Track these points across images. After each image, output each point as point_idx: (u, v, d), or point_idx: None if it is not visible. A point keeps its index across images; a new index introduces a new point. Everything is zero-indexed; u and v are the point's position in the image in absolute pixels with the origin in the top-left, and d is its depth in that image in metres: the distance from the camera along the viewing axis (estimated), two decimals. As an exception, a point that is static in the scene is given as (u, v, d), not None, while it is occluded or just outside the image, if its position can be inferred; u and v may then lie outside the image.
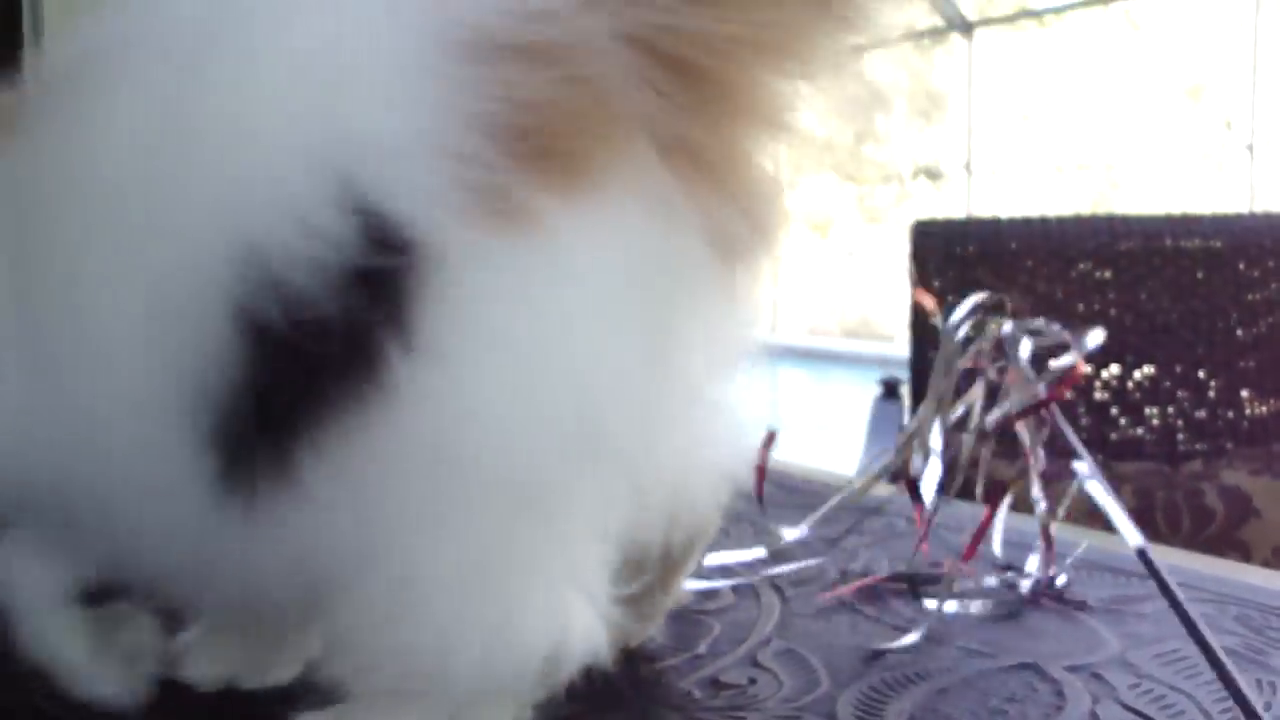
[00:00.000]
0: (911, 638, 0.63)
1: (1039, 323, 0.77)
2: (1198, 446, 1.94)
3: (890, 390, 2.08)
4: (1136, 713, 0.53)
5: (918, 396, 1.99)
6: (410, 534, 0.42)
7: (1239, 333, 1.95)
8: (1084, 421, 1.96)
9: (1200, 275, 1.97)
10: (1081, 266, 2.00)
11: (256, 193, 0.40)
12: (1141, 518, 1.68)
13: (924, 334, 2.03)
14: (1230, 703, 0.52)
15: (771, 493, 1.00)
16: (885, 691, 0.56)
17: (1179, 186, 11.66)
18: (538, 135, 0.41)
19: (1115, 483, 1.73)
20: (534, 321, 0.41)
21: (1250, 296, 1.95)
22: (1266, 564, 1.70)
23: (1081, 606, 0.69)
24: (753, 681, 0.57)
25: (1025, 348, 0.76)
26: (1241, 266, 1.96)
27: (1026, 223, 2.07)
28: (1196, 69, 11.95)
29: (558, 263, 0.42)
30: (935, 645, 0.63)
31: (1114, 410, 1.97)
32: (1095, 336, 0.78)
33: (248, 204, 0.40)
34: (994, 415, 0.74)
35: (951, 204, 12.20)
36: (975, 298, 0.84)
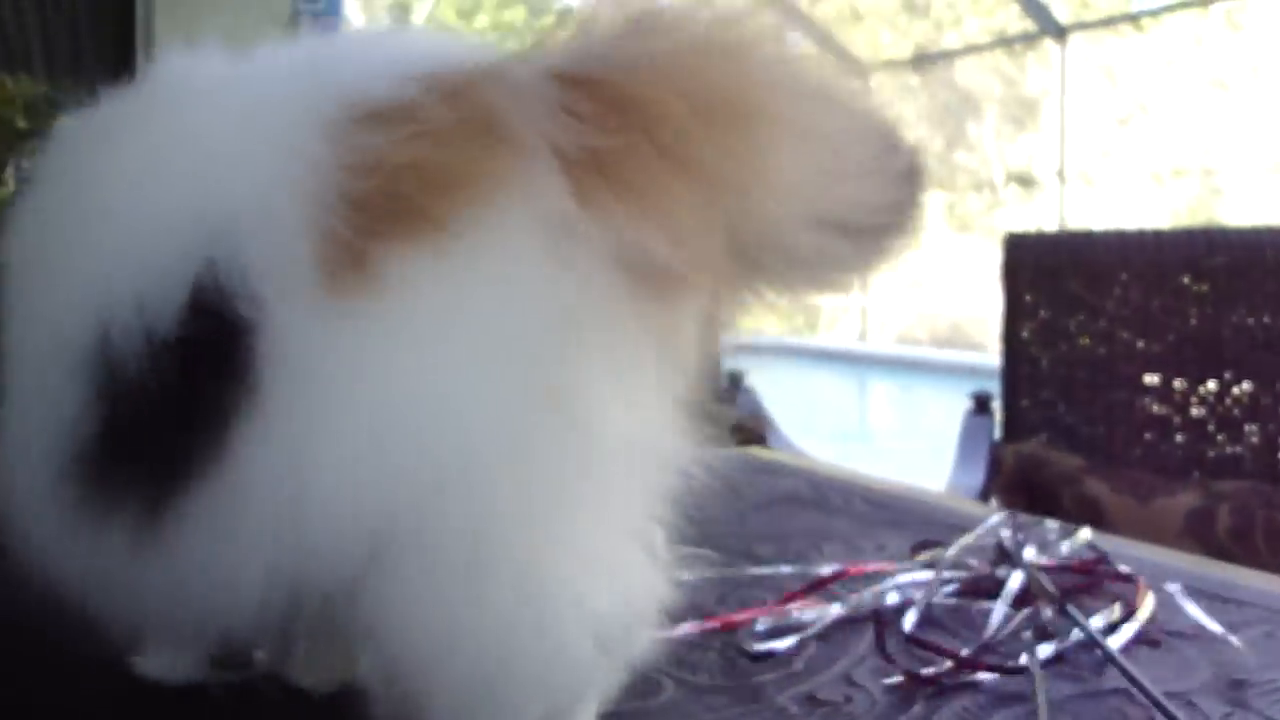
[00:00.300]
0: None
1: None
2: (1298, 465, 1.89)
3: (981, 405, 2.06)
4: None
5: (1009, 410, 1.98)
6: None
7: (1345, 348, 1.90)
8: (1179, 439, 1.93)
9: (1303, 288, 1.93)
10: (1178, 280, 1.96)
11: (113, 269, 0.45)
12: (1240, 538, 1.67)
13: (1016, 348, 2.01)
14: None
15: (865, 510, 1.01)
16: (976, 712, 0.56)
17: (1281, 193, 11.34)
18: (389, 197, 0.43)
19: (1213, 501, 1.71)
20: (379, 380, 0.43)
21: (1356, 311, 1.89)
22: (1371, 587, 1.66)
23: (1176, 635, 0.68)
24: (848, 699, 0.58)
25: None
26: (1348, 279, 1.91)
27: (1120, 235, 2.04)
28: (1301, 72, 11.63)
29: (406, 320, 0.43)
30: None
31: (1211, 427, 1.93)
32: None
33: (105, 279, 0.45)
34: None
35: (1044, 212, 12.00)
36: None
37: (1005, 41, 12.42)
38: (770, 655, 0.64)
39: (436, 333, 0.44)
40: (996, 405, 2.02)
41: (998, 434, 2.01)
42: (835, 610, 0.69)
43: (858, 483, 1.10)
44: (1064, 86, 10.78)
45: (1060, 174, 10.78)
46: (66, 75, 5.72)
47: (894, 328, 14.17)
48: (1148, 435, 1.94)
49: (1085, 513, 1.78)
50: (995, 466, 1.91)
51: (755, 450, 1.38)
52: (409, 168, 0.43)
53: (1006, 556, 0.76)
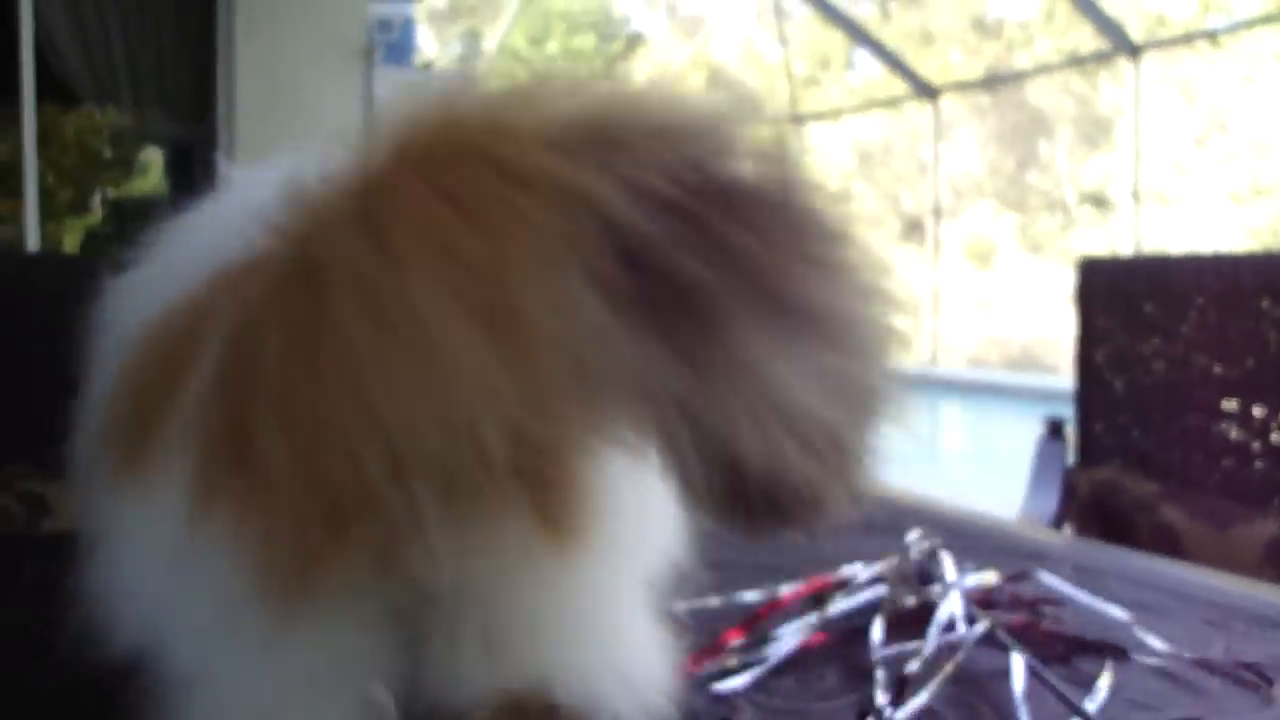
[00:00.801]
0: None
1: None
2: (1384, 492, 1.85)
3: (1055, 430, 2.04)
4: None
5: (1084, 436, 1.96)
6: None
7: None
8: (1258, 465, 1.90)
9: (1387, 313, 1.89)
10: (1256, 304, 1.93)
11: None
12: (1325, 566, 1.63)
13: (1090, 373, 1.99)
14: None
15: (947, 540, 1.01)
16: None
17: (1367, 213, 11.07)
18: None
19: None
20: None
21: None
22: None
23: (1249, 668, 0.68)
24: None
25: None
26: None
27: (1196, 259, 2.02)
28: (1385, 89, 11.36)
29: None
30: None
31: (1291, 453, 1.89)
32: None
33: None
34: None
35: (1119, 233, 11.82)
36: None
37: (1078, 61, 12.27)
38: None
39: None
40: (1070, 430, 2.00)
41: (1071, 460, 1.99)
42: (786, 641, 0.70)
43: (925, 509, 1.10)
44: (1138, 105, 10.62)
45: (1135, 194, 10.60)
46: (151, 106, 5.89)
47: (965, 350, 14.02)
48: (1225, 462, 1.92)
49: (1161, 541, 1.76)
50: (1069, 493, 1.89)
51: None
52: None
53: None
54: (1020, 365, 12.61)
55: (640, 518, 0.50)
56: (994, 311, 13.96)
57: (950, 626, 0.71)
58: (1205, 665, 0.68)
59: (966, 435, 9.55)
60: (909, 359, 0.48)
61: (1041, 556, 0.86)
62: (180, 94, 5.56)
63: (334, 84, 5.59)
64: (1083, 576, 0.86)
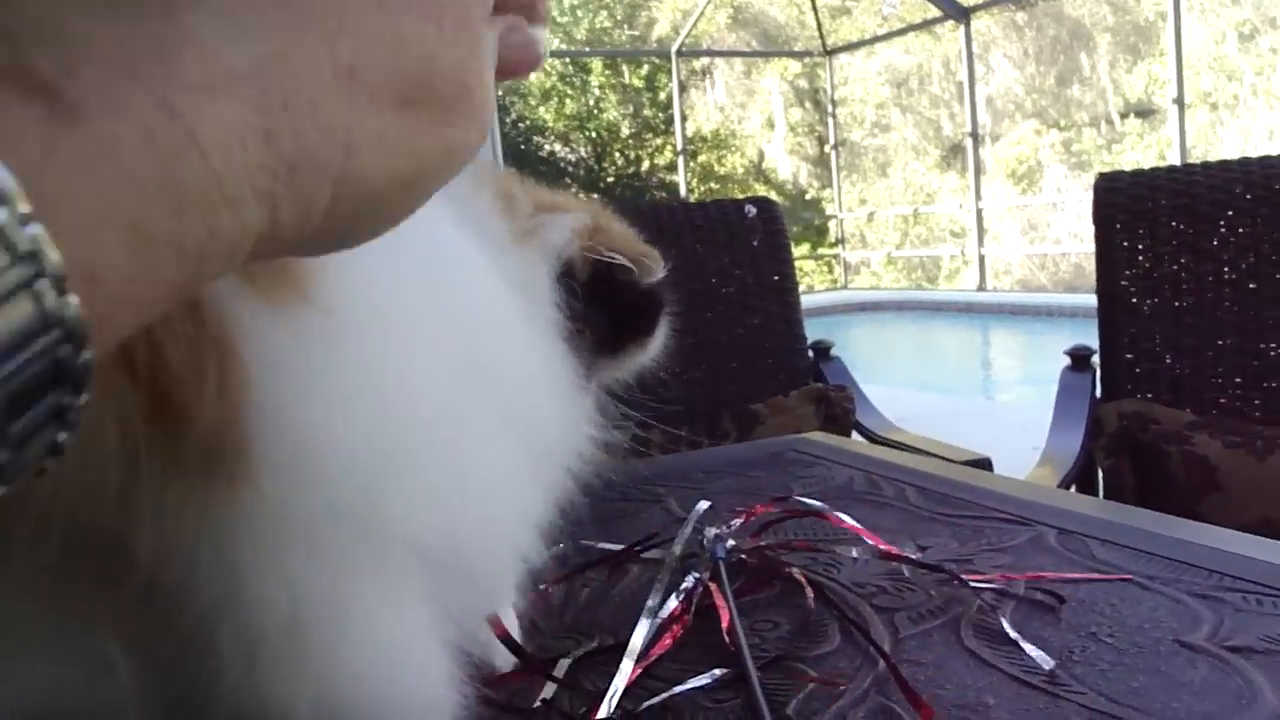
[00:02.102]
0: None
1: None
2: None
3: (1079, 360, 1.93)
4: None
5: (1108, 366, 1.84)
6: None
7: None
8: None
9: None
10: (1290, 211, 1.80)
11: None
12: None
13: (1114, 298, 1.87)
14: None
15: (916, 502, 0.93)
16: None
17: None
18: None
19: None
20: None
21: None
22: None
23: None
24: None
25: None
26: None
27: (1223, 167, 1.88)
28: None
29: None
30: (1060, 689, 0.54)
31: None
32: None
33: None
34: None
35: (1165, 143, 11.50)
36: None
37: (1114, -33, 11.90)
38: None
39: None
40: (1096, 360, 1.89)
41: (1098, 390, 1.88)
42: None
43: (908, 474, 1.01)
44: (1179, 6, 10.26)
45: (1179, 101, 10.28)
46: None
47: (1014, 274, 13.78)
48: (1265, 384, 1.80)
49: (1195, 474, 1.65)
50: (1096, 426, 1.78)
51: (812, 437, 1.29)
52: None
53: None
54: (1072, 286, 12.37)
55: None
56: (1041, 233, 13.69)
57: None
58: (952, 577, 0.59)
59: (1017, 360, 9.38)
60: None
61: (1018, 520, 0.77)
62: None
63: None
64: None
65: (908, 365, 9.32)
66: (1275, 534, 1.59)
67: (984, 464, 1.61)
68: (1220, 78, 12.19)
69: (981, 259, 13.08)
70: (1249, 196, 1.82)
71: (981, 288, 12.89)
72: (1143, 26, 13.27)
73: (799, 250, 15.78)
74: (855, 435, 1.94)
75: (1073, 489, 1.76)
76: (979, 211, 13.10)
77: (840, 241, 15.69)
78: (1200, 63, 11.94)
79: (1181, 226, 1.85)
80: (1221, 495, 1.65)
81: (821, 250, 15.85)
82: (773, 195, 10.42)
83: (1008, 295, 12.24)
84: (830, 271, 15.64)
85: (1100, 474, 1.79)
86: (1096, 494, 1.79)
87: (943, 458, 1.51)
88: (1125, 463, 1.76)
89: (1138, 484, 1.75)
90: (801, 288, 2.16)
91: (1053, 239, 13.32)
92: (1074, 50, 13.93)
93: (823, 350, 2.14)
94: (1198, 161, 1.99)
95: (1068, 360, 1.94)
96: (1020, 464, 1.76)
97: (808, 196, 16.50)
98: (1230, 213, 1.83)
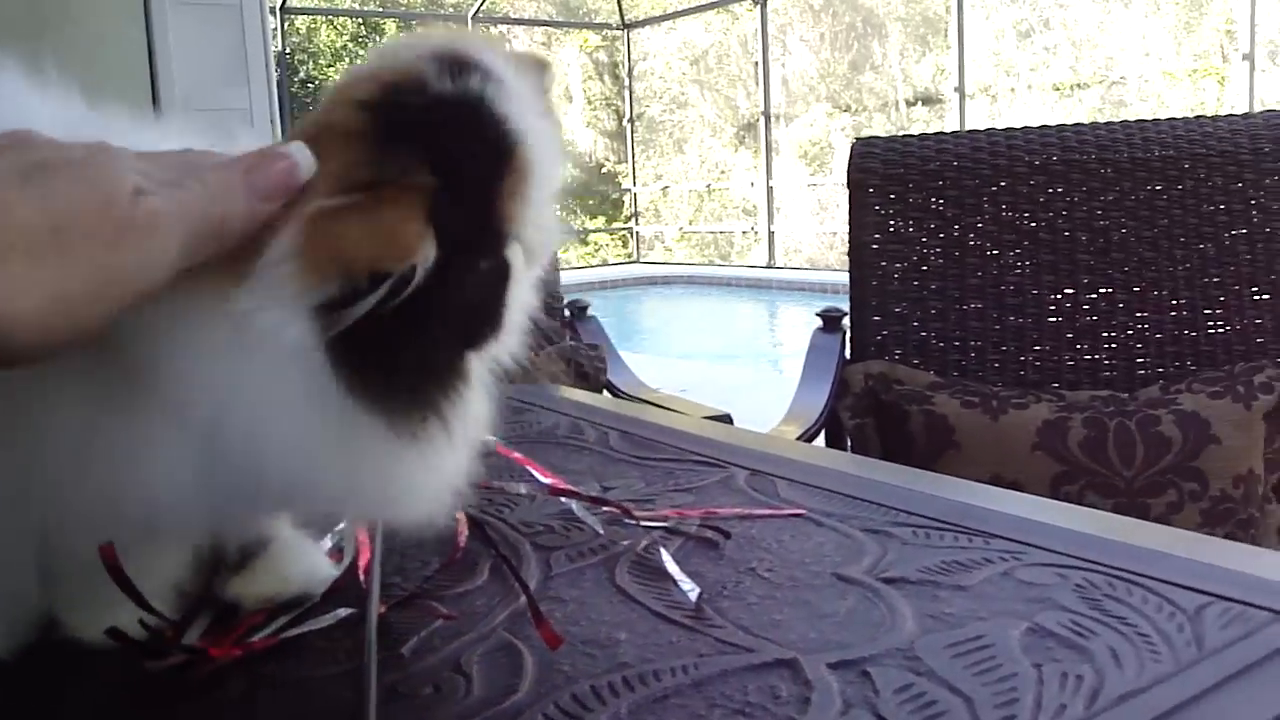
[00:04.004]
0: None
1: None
2: (1157, 370, 1.81)
3: (829, 322, 1.94)
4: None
5: (857, 328, 1.86)
6: None
7: (1200, 247, 1.81)
8: (1038, 348, 1.83)
9: (1158, 187, 1.83)
10: (1032, 182, 1.86)
11: None
12: (1093, 450, 1.57)
13: (864, 261, 1.90)
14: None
15: (617, 447, 0.88)
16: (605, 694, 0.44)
17: (1183, 103, 11.43)
18: None
19: (1066, 412, 1.62)
20: None
21: (1210, 207, 1.80)
22: (1224, 493, 1.59)
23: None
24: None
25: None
26: (1202, 175, 1.82)
27: (972, 137, 1.92)
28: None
29: None
30: (699, 623, 0.51)
31: (1069, 335, 1.84)
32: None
33: None
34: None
35: (948, 130, 11.97)
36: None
37: (903, -42, 12.31)
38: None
39: None
40: (847, 322, 1.91)
41: (848, 352, 1.90)
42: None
43: (616, 419, 0.97)
44: (962, 4, 10.69)
45: (960, 90, 10.71)
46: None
47: (804, 252, 14.13)
48: (1004, 348, 1.85)
49: (934, 432, 1.68)
50: (843, 386, 1.80)
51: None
52: None
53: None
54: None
55: None
56: (831, 212, 14.08)
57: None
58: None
59: (801, 334, 9.63)
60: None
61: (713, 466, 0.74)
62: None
63: (111, 9, 5.18)
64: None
65: (695, 337, 9.44)
66: (1004, 487, 1.63)
67: (723, 419, 1.60)
68: (999, 71, 12.75)
69: (771, 236, 13.36)
70: (994, 165, 1.86)
71: (771, 264, 13.17)
72: (931, 19, 13.76)
73: (594, 223, 15.80)
74: (605, 394, 1.91)
75: (819, 445, 1.77)
76: (770, 189, 13.37)
77: (634, 215, 15.76)
78: (982, 56, 12.46)
79: (931, 193, 1.88)
80: (958, 453, 1.68)
81: (616, 224, 15.90)
82: (569, 167, 10.37)
83: (796, 272, 12.54)
84: (624, 245, 15.70)
85: (847, 434, 1.81)
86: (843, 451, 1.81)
87: (683, 414, 1.49)
88: (869, 423, 1.78)
89: (881, 443, 1.77)
90: (595, 261, 2.12)
91: (842, 219, 13.70)
92: (867, 38, 14.34)
93: (579, 309, 2.10)
94: (931, 133, 2.03)
95: (820, 322, 1.95)
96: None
97: (604, 170, 16.51)
98: (976, 181, 1.87)
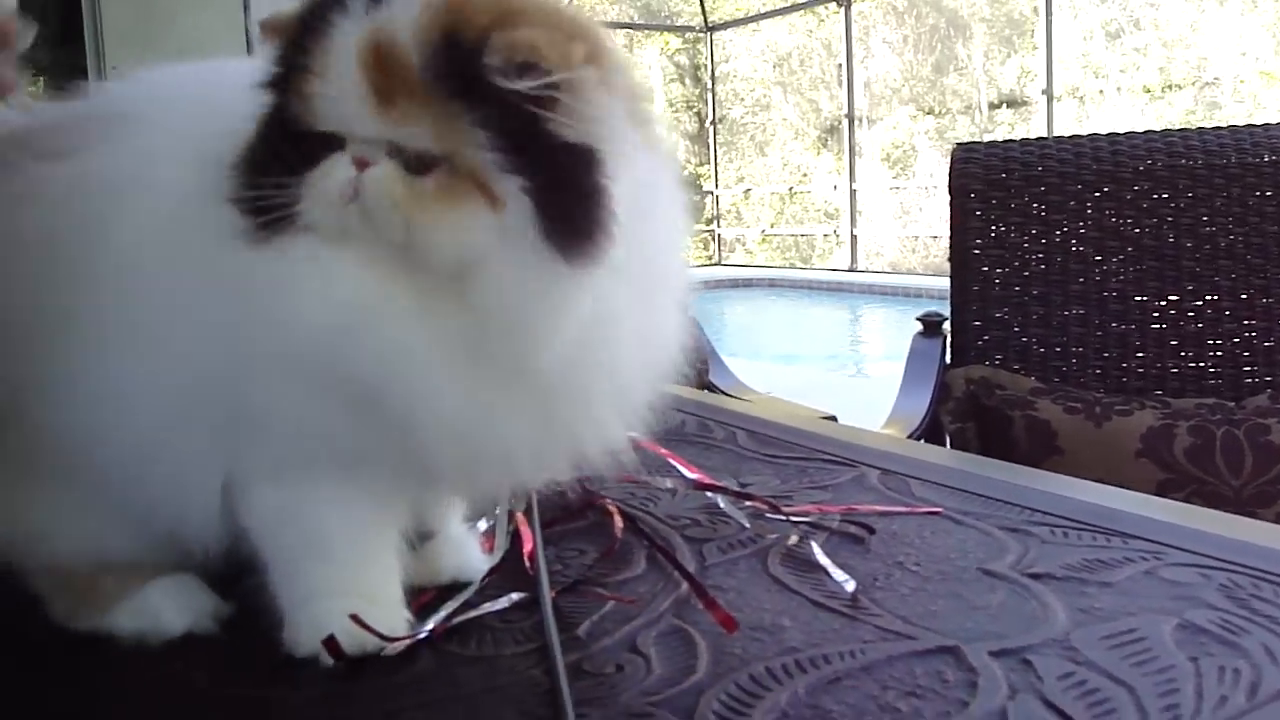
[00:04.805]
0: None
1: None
2: (1265, 379, 1.79)
3: (930, 327, 1.95)
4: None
5: (958, 332, 1.87)
6: None
7: (1310, 253, 1.79)
8: (1140, 356, 1.83)
9: (1267, 192, 1.81)
10: (1136, 188, 1.85)
11: None
12: (1199, 457, 1.57)
13: (966, 266, 1.90)
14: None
15: (746, 444, 0.91)
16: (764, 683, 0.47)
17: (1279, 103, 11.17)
18: None
19: (1172, 419, 1.61)
20: None
21: (1321, 213, 1.78)
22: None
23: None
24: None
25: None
26: (1312, 180, 1.80)
27: (1074, 142, 1.92)
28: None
29: None
30: (858, 612, 0.53)
31: (1174, 342, 1.83)
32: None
33: None
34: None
35: (1034, 134, 11.81)
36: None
37: (990, -41, 12.18)
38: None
39: None
40: (947, 327, 1.91)
41: (948, 357, 1.91)
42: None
43: (743, 418, 1.00)
44: (1050, 4, 10.54)
45: (1048, 93, 10.56)
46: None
47: (885, 256, 14.03)
48: (1106, 354, 1.84)
49: (1036, 438, 1.68)
50: (943, 391, 1.80)
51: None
52: None
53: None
54: (942, 269, 12.64)
55: None
56: (914, 216, 13.96)
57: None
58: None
59: (883, 338, 9.57)
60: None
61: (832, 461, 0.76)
62: (43, 17, 5.25)
63: (210, 4, 5.33)
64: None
65: (778, 340, 9.43)
66: (1107, 496, 1.63)
67: (830, 421, 1.61)
68: (1087, 73, 12.56)
69: (854, 240, 13.29)
70: (1097, 171, 1.85)
71: (853, 268, 13.10)
72: (1016, 20, 13.59)
73: (677, 225, 15.76)
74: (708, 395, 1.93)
75: (919, 451, 1.78)
76: (853, 193, 13.30)
77: (716, 218, 15.77)
78: (1069, 58, 12.28)
79: (1032, 198, 1.88)
80: (1061, 458, 1.68)
81: (698, 226, 15.92)
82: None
83: (878, 276, 12.46)
84: (706, 248, 15.72)
85: (948, 438, 1.81)
86: (942, 457, 1.82)
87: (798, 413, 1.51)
88: (971, 427, 1.79)
89: (982, 448, 1.78)
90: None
91: (924, 223, 13.58)
92: (951, 39, 14.21)
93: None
94: (1033, 138, 2.03)
95: (920, 326, 1.96)
96: (874, 427, 1.78)
97: (686, 172, 16.50)
98: (1079, 186, 1.86)
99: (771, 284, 12.95)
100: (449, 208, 0.47)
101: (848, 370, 7.94)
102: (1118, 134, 1.92)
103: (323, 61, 0.48)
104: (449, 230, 0.47)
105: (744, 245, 15.84)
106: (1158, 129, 1.92)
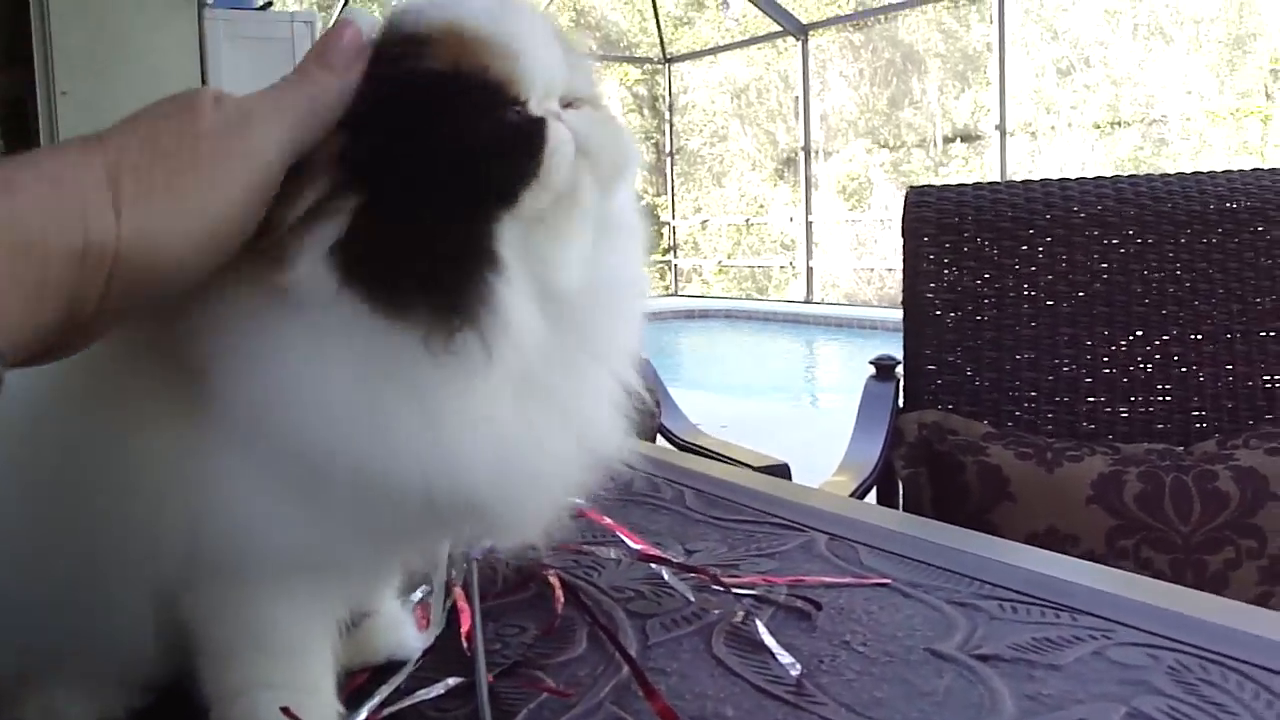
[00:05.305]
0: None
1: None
2: (1213, 424, 1.80)
3: (883, 370, 1.95)
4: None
5: (911, 377, 1.87)
6: None
7: (1258, 301, 1.81)
8: (1091, 399, 1.84)
9: (1215, 239, 1.84)
10: (1086, 233, 1.86)
11: None
12: (1149, 504, 1.57)
13: (919, 309, 1.90)
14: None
15: (696, 504, 0.90)
16: None
17: (1225, 142, 11.37)
18: None
19: (1122, 465, 1.62)
20: None
21: (1268, 260, 1.81)
22: (1285, 551, 1.58)
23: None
24: None
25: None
26: (1260, 228, 1.82)
27: (1026, 187, 1.93)
28: (1244, 16, 11.63)
29: None
30: (803, 699, 0.52)
31: (1124, 386, 1.84)
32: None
33: None
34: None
35: (988, 167, 11.95)
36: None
37: (945, -4, 12.35)
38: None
39: None
40: (900, 370, 1.91)
41: (902, 401, 1.91)
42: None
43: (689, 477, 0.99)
44: (1003, 41, 10.69)
45: (1001, 128, 10.70)
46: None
47: (842, 288, 14.12)
48: (1057, 398, 1.85)
49: (989, 484, 1.68)
50: (896, 436, 1.80)
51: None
52: None
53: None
54: (896, 301, 12.72)
55: None
56: (869, 248, 14.07)
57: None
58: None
59: (838, 370, 9.61)
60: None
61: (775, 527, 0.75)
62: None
63: (164, 26, 5.29)
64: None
65: (733, 372, 9.45)
66: (1059, 542, 1.63)
67: (782, 470, 1.61)
68: (1039, 108, 12.74)
69: (810, 271, 13.36)
70: (1049, 216, 1.87)
71: (809, 299, 13.16)
72: (970, 55, 13.77)
73: (634, 256, 15.78)
74: (659, 438, 1.92)
75: (871, 495, 1.78)
76: (809, 224, 13.38)
77: (673, 248, 15.81)
78: (1022, 93, 12.45)
79: (985, 242, 1.89)
80: (1013, 505, 1.68)
81: (654, 256, 15.94)
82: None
83: (833, 308, 12.53)
84: (663, 278, 15.75)
85: (900, 483, 1.81)
86: (896, 502, 1.81)
87: (740, 462, 1.50)
88: (923, 472, 1.79)
89: (934, 493, 1.78)
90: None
91: (880, 255, 13.68)
92: (906, 74, 14.37)
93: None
94: (987, 181, 2.05)
95: (873, 370, 1.96)
96: (828, 466, 1.78)
97: (643, 202, 16.54)
98: (1031, 231, 1.88)
99: (728, 315, 12.99)
100: None
101: (802, 402, 7.97)
102: (1069, 180, 1.93)
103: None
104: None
105: (700, 276, 15.88)
106: (1108, 175, 1.93)
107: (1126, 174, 1.94)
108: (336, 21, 0.45)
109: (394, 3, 0.49)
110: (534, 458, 0.47)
